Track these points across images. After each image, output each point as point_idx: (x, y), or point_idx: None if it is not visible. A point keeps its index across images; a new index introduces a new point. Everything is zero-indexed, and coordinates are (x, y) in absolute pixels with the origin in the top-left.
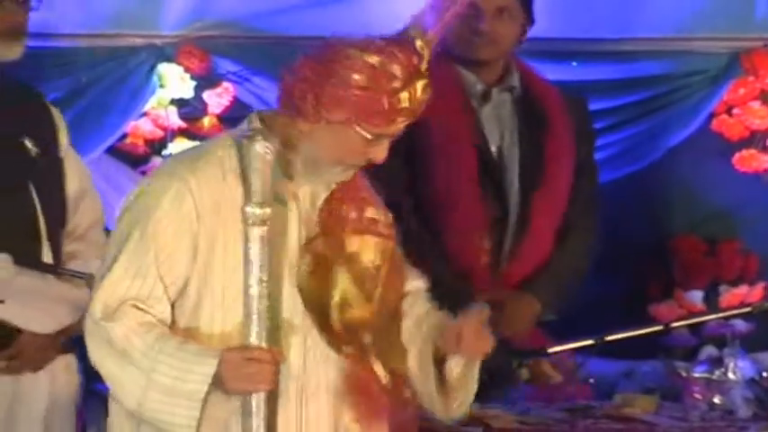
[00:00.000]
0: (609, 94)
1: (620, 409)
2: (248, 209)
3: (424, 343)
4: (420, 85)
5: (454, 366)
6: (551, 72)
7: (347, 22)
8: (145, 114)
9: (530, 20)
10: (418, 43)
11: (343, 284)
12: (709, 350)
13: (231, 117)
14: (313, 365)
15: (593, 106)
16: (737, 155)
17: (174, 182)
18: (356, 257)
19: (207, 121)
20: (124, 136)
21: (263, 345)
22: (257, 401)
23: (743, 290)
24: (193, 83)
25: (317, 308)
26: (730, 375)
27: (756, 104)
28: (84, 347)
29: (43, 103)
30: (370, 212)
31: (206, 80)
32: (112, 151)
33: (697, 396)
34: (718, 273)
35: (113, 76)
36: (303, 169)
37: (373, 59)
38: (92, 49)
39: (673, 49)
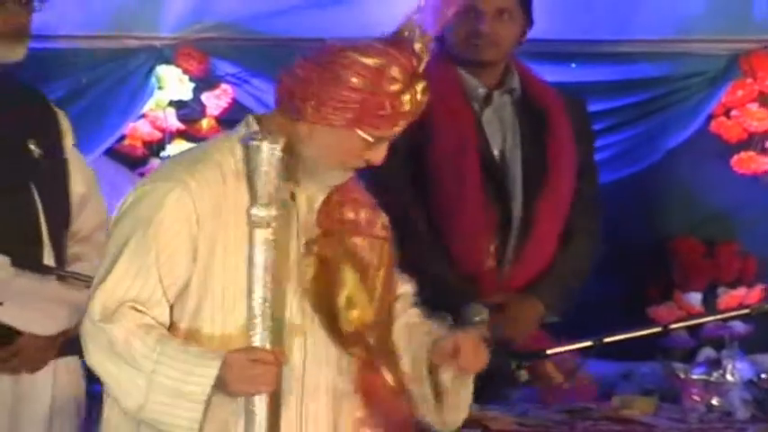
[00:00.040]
0: (607, 95)
1: (619, 410)
2: (254, 211)
3: (419, 349)
4: (420, 87)
5: (447, 376)
6: (550, 73)
7: (346, 24)
8: (143, 116)
9: (529, 21)
10: (417, 45)
11: (350, 284)
12: (707, 352)
13: (230, 119)
14: (312, 366)
15: (591, 108)
16: (736, 157)
17: (175, 184)
18: (358, 258)
19: (205, 123)
20: (122, 137)
21: (267, 346)
22: (259, 402)
23: (741, 292)
24: (192, 85)
25: (324, 309)
26: (728, 377)
27: (755, 106)
28: None
29: (48, 105)
30: (367, 214)
31: (204, 82)
32: (111, 153)
33: (695, 398)
34: (717, 274)
35: (112, 77)
36: (301, 171)
37: (373, 62)
38: (91, 50)
39: (671, 51)
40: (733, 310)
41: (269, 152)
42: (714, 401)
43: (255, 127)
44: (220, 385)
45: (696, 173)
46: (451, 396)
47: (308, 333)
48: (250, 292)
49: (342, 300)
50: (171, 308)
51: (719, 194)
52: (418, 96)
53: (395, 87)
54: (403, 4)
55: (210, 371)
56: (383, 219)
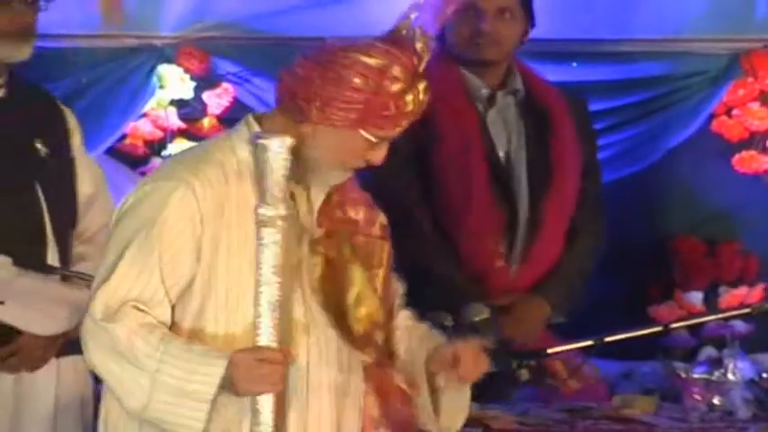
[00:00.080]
0: (609, 94)
1: (620, 409)
2: (262, 210)
3: (419, 350)
4: (421, 86)
5: (444, 384)
6: (551, 73)
7: (347, 23)
8: (144, 115)
9: (531, 21)
10: (418, 45)
11: (358, 282)
12: (708, 351)
13: (231, 118)
14: (316, 365)
15: (592, 107)
16: (737, 156)
17: (178, 184)
18: (362, 258)
19: (206, 122)
20: (123, 137)
21: (274, 345)
22: (265, 401)
23: (742, 291)
24: (193, 83)
25: (333, 308)
26: (730, 376)
27: (756, 105)
28: None
29: (55, 104)
30: (366, 213)
31: (206, 81)
32: (112, 152)
33: (696, 397)
34: (718, 274)
35: (113, 76)
36: (302, 171)
37: (375, 62)
38: (91, 49)
39: (672, 50)
40: (734, 309)
41: (277, 151)
42: (715, 401)
43: (255, 126)
44: (227, 385)
45: (697, 172)
46: (448, 403)
47: (312, 332)
48: (257, 291)
49: (351, 298)
50: (173, 308)
51: (721, 194)
52: (420, 96)
53: (397, 87)
54: (403, 2)
55: (216, 370)
56: (381, 218)
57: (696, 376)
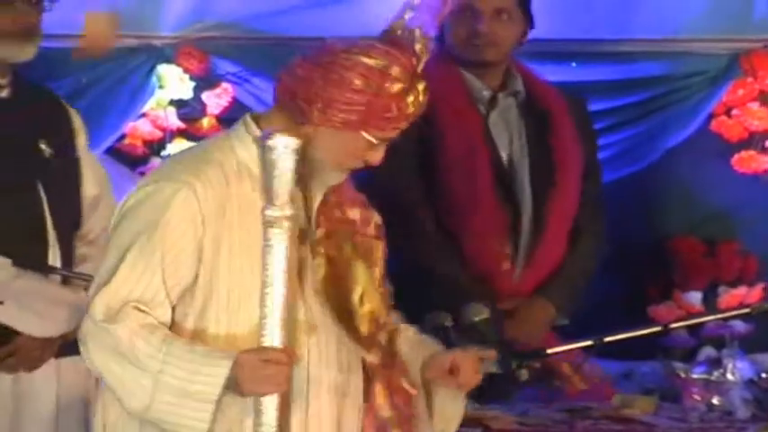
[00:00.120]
0: (608, 94)
1: (619, 409)
2: (269, 211)
3: (410, 353)
4: (421, 87)
5: (439, 390)
6: (551, 73)
7: (347, 23)
8: (144, 115)
9: (530, 22)
10: (417, 46)
11: (362, 280)
12: (707, 351)
13: (230, 118)
14: (316, 365)
15: (592, 107)
16: (736, 156)
17: (180, 185)
18: (362, 256)
19: (206, 122)
20: (123, 137)
21: (279, 345)
22: (269, 402)
23: (742, 291)
24: (192, 83)
25: (337, 307)
26: (729, 376)
27: (755, 105)
28: None
29: (59, 103)
30: (361, 213)
31: (205, 81)
32: (111, 152)
33: (696, 397)
34: (717, 274)
35: (113, 76)
36: (308, 172)
37: (375, 63)
38: None
39: (672, 50)
40: (733, 309)
41: (285, 152)
42: (714, 401)
43: (253, 126)
44: (231, 385)
45: (697, 172)
46: (442, 408)
47: (313, 331)
48: (263, 292)
49: (356, 296)
50: (174, 308)
51: (720, 193)
52: (420, 97)
53: (398, 88)
54: (402, 4)
55: (220, 370)
56: (376, 218)
57: (695, 376)
